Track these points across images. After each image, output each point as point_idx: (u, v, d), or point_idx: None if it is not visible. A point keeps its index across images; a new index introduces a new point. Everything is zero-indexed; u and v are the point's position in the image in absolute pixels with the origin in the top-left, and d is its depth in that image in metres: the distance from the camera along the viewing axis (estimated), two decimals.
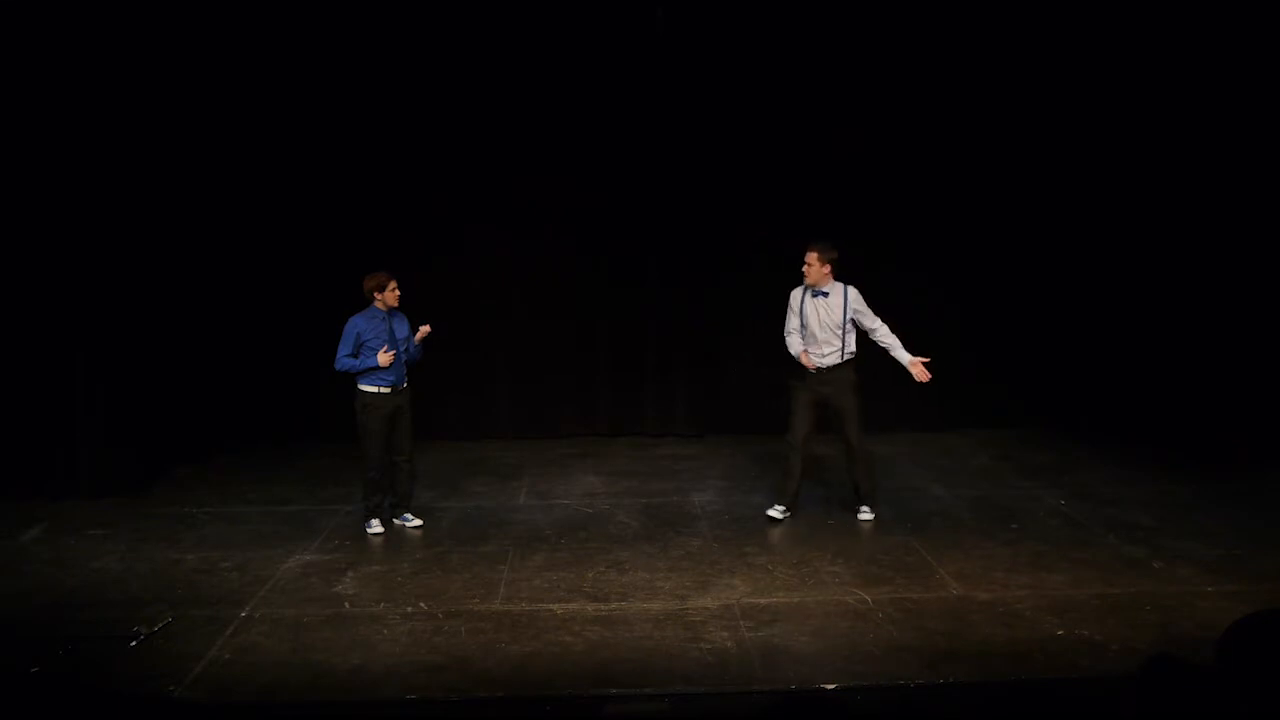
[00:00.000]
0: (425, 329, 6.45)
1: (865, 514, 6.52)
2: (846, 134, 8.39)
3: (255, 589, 5.44)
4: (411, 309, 6.48)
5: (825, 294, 6.35)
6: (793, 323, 6.45)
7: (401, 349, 6.30)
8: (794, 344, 6.43)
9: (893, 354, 6.37)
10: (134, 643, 4.74)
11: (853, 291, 6.37)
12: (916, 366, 6.29)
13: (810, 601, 5.19)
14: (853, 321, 6.35)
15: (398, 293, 6.29)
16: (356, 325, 6.21)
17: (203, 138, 7.95)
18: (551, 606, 5.16)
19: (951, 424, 8.78)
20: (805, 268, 6.34)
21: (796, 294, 6.46)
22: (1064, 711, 4.09)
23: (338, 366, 6.22)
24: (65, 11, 6.70)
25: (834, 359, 6.34)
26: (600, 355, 8.86)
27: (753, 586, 5.41)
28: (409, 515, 6.53)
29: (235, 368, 8.43)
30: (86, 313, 6.98)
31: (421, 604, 5.21)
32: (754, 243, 8.55)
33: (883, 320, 6.39)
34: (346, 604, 5.25)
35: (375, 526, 6.37)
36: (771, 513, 6.54)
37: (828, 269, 6.32)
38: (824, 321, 6.34)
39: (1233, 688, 2.03)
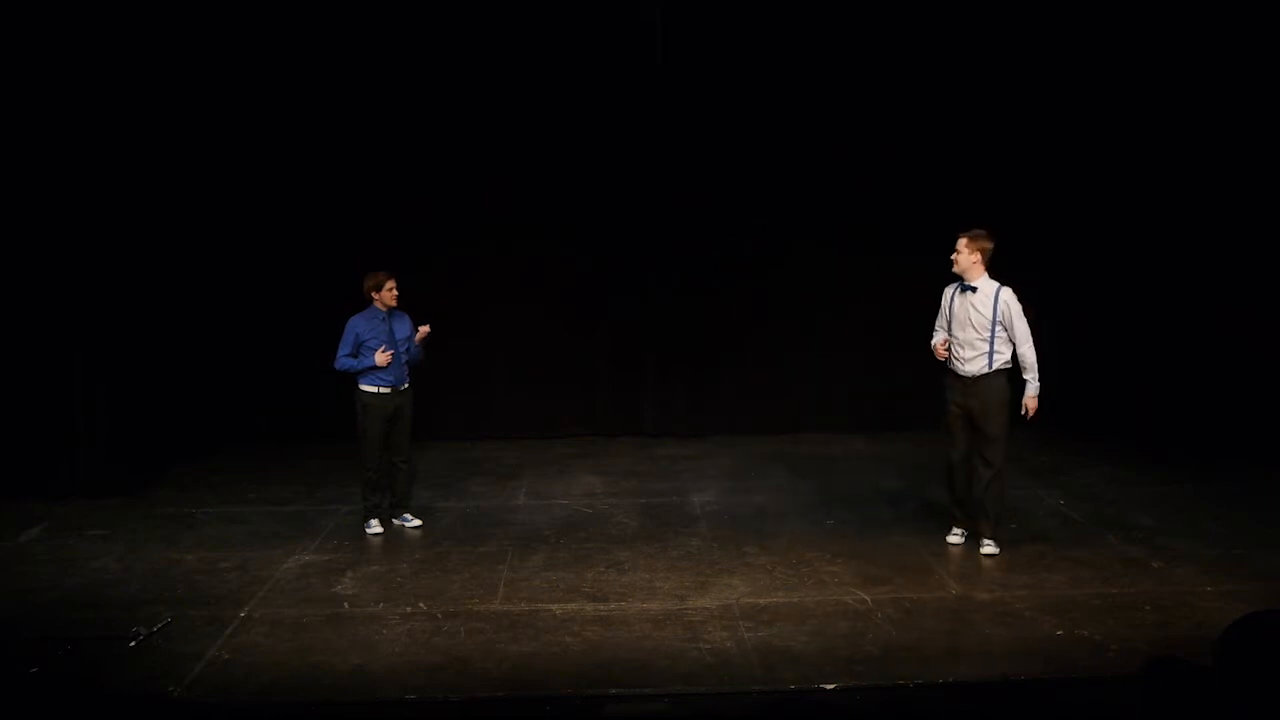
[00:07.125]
0: (425, 329, 6.44)
1: (989, 547, 5.76)
2: (846, 136, 8.38)
3: (255, 589, 5.44)
4: (413, 309, 6.48)
5: (974, 289, 5.72)
6: (938, 322, 5.87)
7: (401, 349, 6.30)
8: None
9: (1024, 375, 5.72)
10: (133, 643, 4.74)
11: (1006, 291, 5.68)
12: (1031, 403, 5.72)
13: (809, 601, 5.19)
14: (1001, 325, 5.64)
15: (395, 292, 6.29)
16: (355, 325, 6.22)
17: (202, 137, 7.95)
18: (551, 607, 5.15)
19: None
20: (954, 255, 5.68)
21: (947, 291, 5.84)
22: (1064, 711, 4.08)
23: (337, 366, 6.23)
24: (64, 12, 6.69)
25: (979, 366, 5.71)
26: (600, 356, 8.86)
27: (752, 586, 5.41)
28: (408, 515, 6.53)
29: (235, 368, 8.44)
30: (86, 313, 6.98)
31: (421, 604, 5.21)
32: (754, 245, 8.55)
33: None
34: (346, 604, 5.25)
35: (374, 526, 6.37)
36: (951, 539, 5.99)
37: (977, 258, 5.65)
38: (969, 321, 5.68)
39: (1231, 688, 2.03)
